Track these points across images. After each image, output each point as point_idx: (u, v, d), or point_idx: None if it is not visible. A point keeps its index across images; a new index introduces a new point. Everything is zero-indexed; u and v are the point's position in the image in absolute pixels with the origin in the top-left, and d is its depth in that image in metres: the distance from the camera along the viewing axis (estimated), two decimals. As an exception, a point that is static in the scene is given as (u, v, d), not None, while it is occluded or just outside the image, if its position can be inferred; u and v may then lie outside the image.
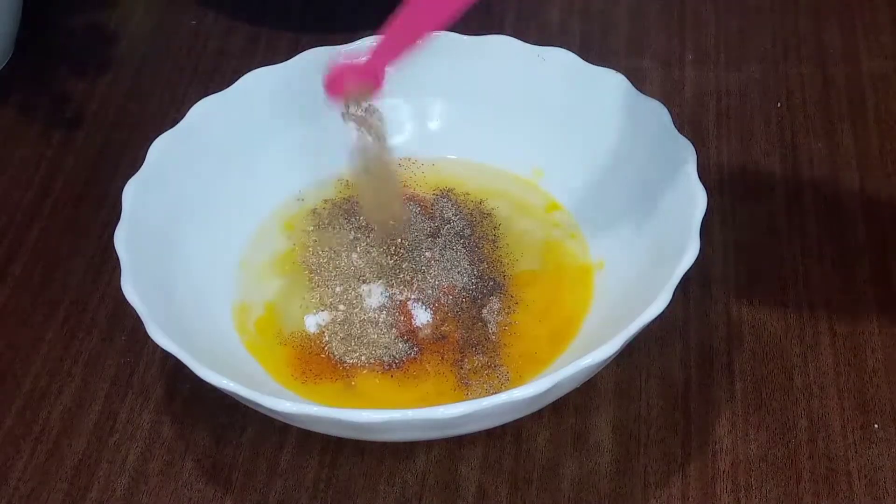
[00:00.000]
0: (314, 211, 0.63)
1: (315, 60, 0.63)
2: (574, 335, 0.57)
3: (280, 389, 0.56)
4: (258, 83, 0.63)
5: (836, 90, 0.69)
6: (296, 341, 0.58)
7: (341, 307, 0.59)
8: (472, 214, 0.62)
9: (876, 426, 0.55)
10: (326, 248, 0.61)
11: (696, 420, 0.55)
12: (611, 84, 0.61)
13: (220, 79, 0.72)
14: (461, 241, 0.61)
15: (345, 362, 0.57)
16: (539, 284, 0.59)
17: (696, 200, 0.55)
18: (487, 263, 0.60)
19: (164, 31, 0.77)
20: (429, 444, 0.55)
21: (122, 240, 0.55)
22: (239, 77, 0.63)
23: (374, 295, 0.59)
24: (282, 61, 0.63)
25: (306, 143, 0.64)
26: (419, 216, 0.62)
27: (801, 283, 0.60)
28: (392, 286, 0.59)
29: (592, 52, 0.68)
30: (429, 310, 0.58)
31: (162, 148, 0.59)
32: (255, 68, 0.63)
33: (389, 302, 0.59)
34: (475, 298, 0.59)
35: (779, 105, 0.69)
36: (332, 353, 0.57)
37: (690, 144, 0.57)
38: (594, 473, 0.54)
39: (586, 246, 0.61)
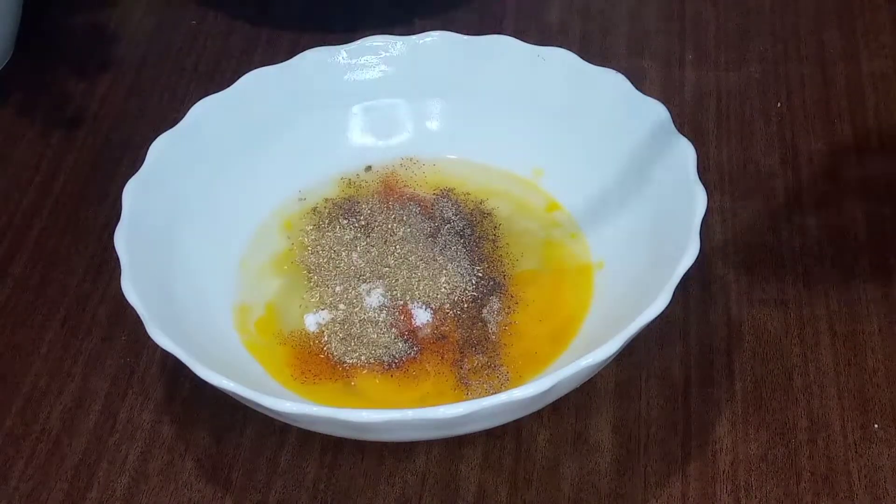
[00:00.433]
0: (314, 210, 0.63)
1: (315, 60, 0.63)
2: (574, 335, 0.57)
3: (280, 389, 0.55)
4: (258, 83, 0.63)
5: (836, 90, 0.69)
6: (295, 341, 0.58)
7: (341, 307, 0.59)
8: (472, 214, 0.62)
9: (876, 426, 0.55)
10: (326, 248, 0.61)
11: (696, 420, 0.55)
12: (611, 84, 0.61)
13: (220, 79, 0.72)
14: (461, 240, 0.61)
15: (344, 362, 0.57)
16: (539, 284, 0.59)
17: (696, 200, 0.55)
18: (487, 263, 0.60)
19: (164, 31, 0.77)
20: (429, 444, 0.55)
21: (122, 240, 0.55)
22: (239, 77, 0.63)
23: (374, 294, 0.59)
24: (282, 61, 0.63)
25: (306, 143, 0.64)
26: (419, 216, 0.62)
27: (801, 283, 0.60)
28: (392, 286, 0.59)
29: (592, 52, 0.69)
30: (429, 309, 0.58)
31: (162, 148, 0.60)
32: (255, 68, 0.63)
33: (389, 301, 0.59)
34: (475, 298, 0.59)
35: (779, 105, 0.69)
36: (332, 353, 0.57)
37: (690, 144, 0.57)
38: (594, 473, 0.54)
39: (586, 246, 0.61)
